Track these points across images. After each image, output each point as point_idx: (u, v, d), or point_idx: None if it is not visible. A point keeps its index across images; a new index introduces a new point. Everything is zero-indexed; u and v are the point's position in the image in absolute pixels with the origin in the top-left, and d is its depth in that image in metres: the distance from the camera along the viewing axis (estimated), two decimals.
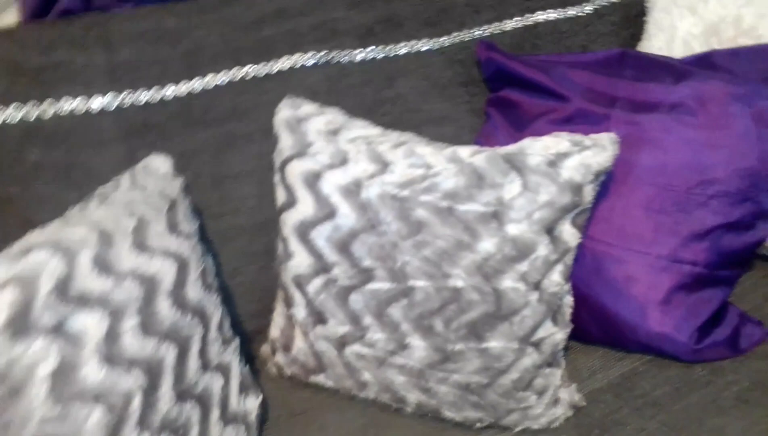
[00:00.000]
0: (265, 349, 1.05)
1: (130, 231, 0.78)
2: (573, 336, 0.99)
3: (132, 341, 0.71)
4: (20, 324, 0.64)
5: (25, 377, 0.63)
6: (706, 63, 0.99)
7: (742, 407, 0.89)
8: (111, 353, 0.69)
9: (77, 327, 0.68)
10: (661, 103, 0.96)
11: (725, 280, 0.97)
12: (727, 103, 0.92)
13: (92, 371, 0.67)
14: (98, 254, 0.73)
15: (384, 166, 0.91)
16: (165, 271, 0.79)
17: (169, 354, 0.75)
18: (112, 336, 0.70)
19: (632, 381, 0.95)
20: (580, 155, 0.87)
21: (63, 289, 0.68)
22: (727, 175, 0.92)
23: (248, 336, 1.05)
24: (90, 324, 0.69)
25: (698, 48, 1.09)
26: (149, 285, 0.76)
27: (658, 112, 0.96)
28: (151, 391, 0.72)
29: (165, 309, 0.77)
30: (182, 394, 0.76)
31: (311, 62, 1.08)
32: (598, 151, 0.87)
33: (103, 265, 0.72)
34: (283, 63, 1.06)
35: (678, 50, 1.12)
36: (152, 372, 0.73)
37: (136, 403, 0.70)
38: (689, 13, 1.12)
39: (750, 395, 0.91)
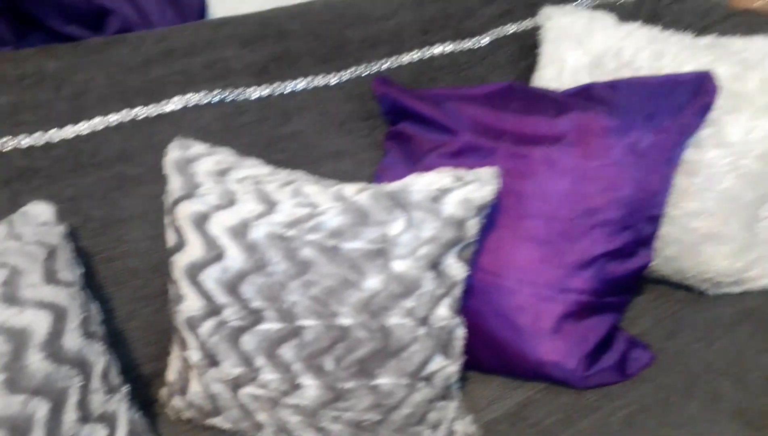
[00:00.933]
0: (163, 392, 1.03)
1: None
2: (471, 367, 1.01)
3: None
4: None
5: None
6: (586, 95, 1.02)
7: (629, 430, 0.91)
8: None
9: None
10: (545, 135, 0.99)
11: (612, 306, 1.00)
12: (604, 135, 0.96)
13: None
14: None
15: (271, 206, 0.91)
16: (38, 322, 0.77)
17: (40, 409, 0.73)
18: None
19: (527, 410, 0.97)
20: (462, 190, 0.89)
21: None
22: (606, 204, 0.95)
23: (146, 380, 1.03)
24: None
25: (585, 78, 1.13)
26: (18, 339, 0.74)
27: (541, 144, 0.99)
28: None
29: (36, 363, 0.75)
30: None
31: (204, 101, 1.08)
32: (479, 185, 0.89)
33: None
34: (175, 103, 1.06)
35: (567, 80, 1.15)
36: (19, 430, 0.70)
37: None
38: (576, 45, 1.16)
39: (637, 419, 0.93)
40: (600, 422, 0.93)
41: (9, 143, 0.96)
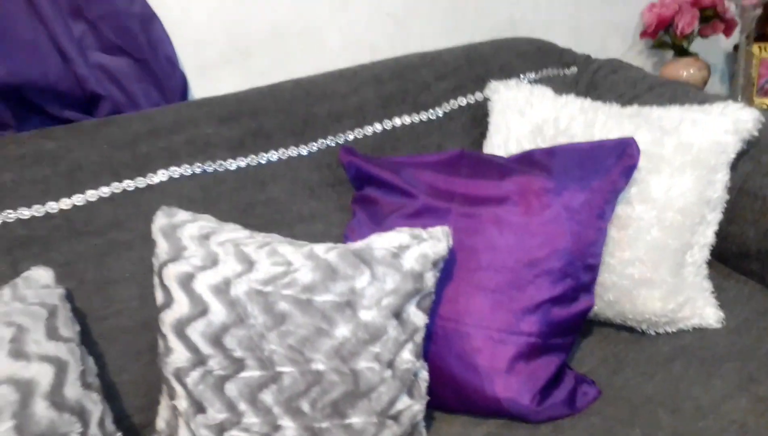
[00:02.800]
0: None
1: (7, 340, 0.85)
2: (436, 407, 1.10)
3: None
4: None
5: None
6: (527, 160, 1.16)
7: None
8: None
9: None
10: (491, 196, 1.12)
11: (559, 347, 1.11)
12: (543, 194, 1.09)
13: None
14: None
15: (250, 265, 1.02)
16: (42, 374, 0.86)
17: None
18: None
19: None
20: (419, 247, 1.01)
21: None
22: (547, 255, 1.08)
23: (137, 430, 1.11)
24: None
25: (528, 144, 1.27)
26: (25, 389, 0.83)
27: (489, 204, 1.12)
28: None
29: (41, 410, 0.83)
30: None
31: (187, 173, 1.19)
32: (434, 242, 1.01)
33: None
34: (160, 176, 1.17)
35: (512, 146, 1.29)
36: None
37: None
38: (519, 115, 1.30)
39: None
40: None
41: (11, 215, 1.06)
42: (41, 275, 0.99)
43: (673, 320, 1.20)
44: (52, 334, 0.91)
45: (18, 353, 0.85)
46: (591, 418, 1.09)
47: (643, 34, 1.96)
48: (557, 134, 1.25)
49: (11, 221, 1.06)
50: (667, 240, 1.16)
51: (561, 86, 1.50)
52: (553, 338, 1.10)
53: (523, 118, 1.30)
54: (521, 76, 1.51)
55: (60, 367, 0.89)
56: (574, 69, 1.61)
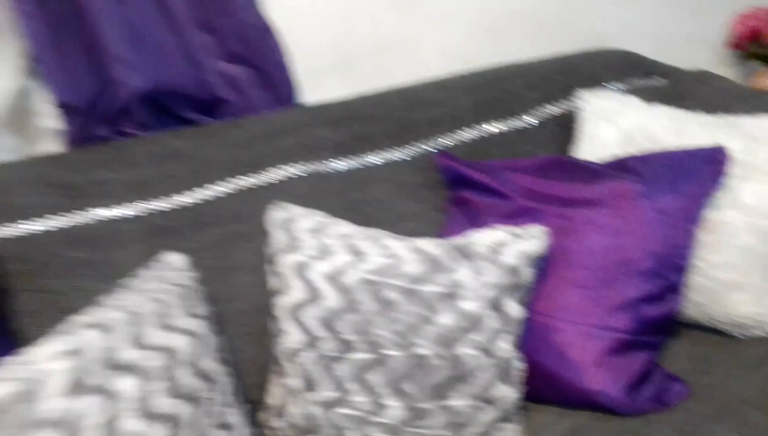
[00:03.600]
0: (263, 416, 1.21)
1: (155, 313, 0.97)
2: (530, 398, 1.17)
3: (160, 401, 0.89)
4: (74, 387, 0.82)
5: (78, 427, 0.80)
6: (620, 166, 1.22)
7: None
8: (143, 409, 0.87)
9: (116, 389, 0.85)
10: (585, 199, 1.18)
11: (649, 344, 1.16)
12: (634, 198, 1.15)
13: (130, 424, 0.84)
14: (131, 331, 0.91)
15: (360, 256, 1.11)
16: (184, 345, 0.97)
17: (187, 412, 0.93)
18: (144, 397, 0.87)
19: (578, 433, 1.12)
20: (518, 244, 1.08)
21: (106, 359, 0.86)
22: (639, 256, 1.13)
23: (250, 405, 1.22)
24: (125, 387, 0.86)
25: (616, 152, 1.32)
26: (172, 356, 0.94)
27: (582, 207, 1.18)
28: None
29: (185, 377, 0.94)
30: None
31: (298, 173, 1.30)
32: (532, 240, 1.09)
33: (135, 340, 0.91)
34: (275, 174, 1.28)
35: (601, 153, 1.35)
36: (175, 425, 0.90)
37: None
38: (609, 124, 1.36)
39: None
40: None
41: (150, 206, 1.19)
42: (176, 260, 1.11)
43: (762, 324, 1.23)
44: (189, 311, 1.03)
45: (164, 325, 0.96)
46: (679, 414, 1.13)
47: (732, 45, 1.97)
48: (647, 142, 1.30)
49: (150, 211, 1.19)
50: (757, 245, 1.19)
51: (648, 96, 1.54)
52: (643, 335, 1.15)
53: (613, 126, 1.36)
54: (609, 86, 1.56)
55: (198, 340, 1.00)
56: (661, 80, 1.65)
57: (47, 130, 1.24)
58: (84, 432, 0.80)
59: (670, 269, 1.14)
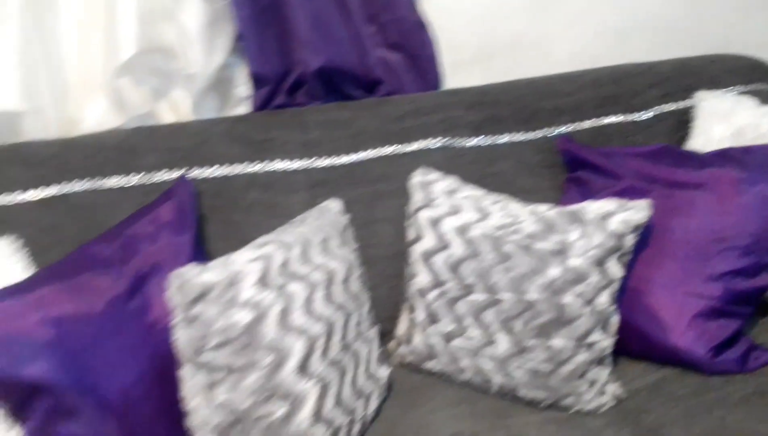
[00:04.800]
0: (391, 344, 1.45)
1: (319, 242, 1.22)
2: (622, 352, 1.33)
3: (320, 305, 1.14)
4: (261, 283, 1.09)
5: (264, 313, 1.07)
6: (724, 155, 1.35)
7: (744, 405, 1.19)
8: (307, 309, 1.12)
9: (290, 290, 1.11)
10: (689, 182, 1.33)
11: (737, 314, 1.29)
12: (736, 183, 1.28)
13: (298, 317, 1.10)
14: (302, 251, 1.17)
15: (485, 215, 1.33)
16: (339, 268, 1.22)
17: (339, 319, 1.17)
18: (308, 299, 1.13)
19: (663, 384, 1.28)
20: (624, 214, 1.25)
21: (284, 267, 1.12)
22: (735, 235, 1.27)
23: (381, 335, 1.45)
24: (296, 289, 1.12)
25: (727, 146, 1.46)
26: (330, 275, 1.19)
27: (686, 189, 1.33)
28: (328, 338, 1.14)
29: (338, 292, 1.19)
30: (344, 347, 1.18)
31: (436, 145, 1.53)
32: (636, 211, 1.25)
33: (304, 258, 1.17)
34: (417, 145, 1.52)
35: (712, 147, 1.48)
36: (329, 327, 1.15)
37: (320, 343, 1.12)
38: (722, 121, 1.49)
39: (751, 398, 1.20)
40: (721, 396, 1.22)
41: (314, 163, 1.45)
42: (334, 205, 1.36)
43: None
44: (345, 244, 1.28)
45: (326, 250, 1.22)
46: (761, 378, 1.26)
47: None
48: (757, 138, 1.42)
49: (314, 166, 1.46)
50: None
51: (765, 99, 1.64)
52: (733, 305, 1.28)
53: (725, 123, 1.49)
54: (729, 89, 1.67)
55: (349, 266, 1.25)
56: None
57: (240, 96, 1.54)
58: (267, 316, 1.07)
59: (764, 249, 1.27)
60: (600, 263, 1.24)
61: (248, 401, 1.04)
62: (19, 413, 1.00)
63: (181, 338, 1.04)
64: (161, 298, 1.11)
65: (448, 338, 1.33)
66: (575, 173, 1.53)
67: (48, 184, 1.32)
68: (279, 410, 1.06)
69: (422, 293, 1.35)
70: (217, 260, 1.10)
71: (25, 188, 1.31)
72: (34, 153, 1.34)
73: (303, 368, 1.09)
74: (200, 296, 1.03)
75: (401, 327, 1.43)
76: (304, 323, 1.11)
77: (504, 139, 1.57)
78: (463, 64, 1.67)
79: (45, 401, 0.99)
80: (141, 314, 1.08)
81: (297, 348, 1.08)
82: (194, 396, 1.05)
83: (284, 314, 1.09)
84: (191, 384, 1.05)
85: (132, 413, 1.04)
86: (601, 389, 1.26)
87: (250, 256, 1.12)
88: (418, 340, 1.38)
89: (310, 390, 1.09)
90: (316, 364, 1.11)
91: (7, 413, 1.00)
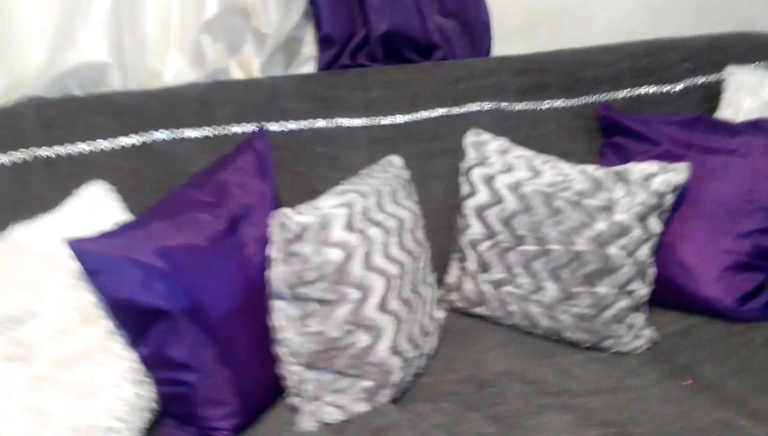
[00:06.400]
0: (442, 291, 1.57)
1: (388, 193, 1.34)
2: (656, 302, 1.46)
3: (394, 249, 1.26)
4: (347, 226, 1.20)
5: (352, 253, 1.18)
6: (756, 125, 1.48)
7: (766, 348, 1.34)
8: (385, 252, 1.24)
9: (370, 234, 1.23)
10: (722, 148, 1.46)
11: (762, 267, 1.42)
12: (767, 150, 1.42)
13: (379, 259, 1.22)
14: (376, 200, 1.29)
15: (537, 173, 1.44)
16: (406, 217, 1.34)
17: (409, 263, 1.29)
18: (385, 243, 1.25)
19: (693, 329, 1.42)
20: (665, 175, 1.37)
21: (364, 213, 1.24)
22: (764, 197, 1.40)
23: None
24: (375, 234, 1.24)
25: (756, 117, 1.58)
26: (400, 224, 1.31)
27: (719, 154, 1.46)
28: (401, 279, 1.26)
29: (408, 239, 1.31)
30: (413, 288, 1.30)
31: (486, 108, 1.64)
32: (676, 173, 1.37)
33: (379, 206, 1.28)
34: (469, 108, 1.63)
35: (741, 120, 1.60)
36: (402, 269, 1.27)
37: (395, 283, 1.24)
38: (750, 94, 1.61)
39: None
40: (745, 340, 1.36)
41: (374, 121, 1.56)
42: (396, 160, 1.47)
43: None
44: (409, 196, 1.40)
45: (395, 201, 1.33)
46: None
47: None
48: None
49: (374, 124, 1.56)
50: None
51: None
52: (758, 260, 1.42)
53: (754, 96, 1.61)
54: (756, 64, 1.79)
55: (415, 216, 1.37)
56: None
57: (307, 56, 1.63)
58: (354, 256, 1.19)
59: None
60: (642, 218, 1.36)
61: (337, 331, 1.17)
62: (136, 338, 1.12)
63: (279, 272, 1.15)
64: (253, 237, 1.22)
65: (498, 285, 1.46)
66: (612, 139, 1.65)
67: (132, 132, 1.42)
68: (362, 341, 1.18)
69: (474, 243, 1.48)
70: (304, 205, 1.22)
71: (111, 136, 1.40)
72: (119, 103, 1.43)
73: (383, 304, 1.21)
74: (298, 236, 1.14)
75: (451, 276, 1.55)
76: (383, 265, 1.23)
77: (547, 104, 1.68)
78: (511, 32, 1.77)
79: (160, 326, 1.11)
80: (238, 250, 1.20)
81: (378, 286, 1.21)
82: (287, 326, 1.18)
83: (367, 255, 1.21)
84: (284, 315, 1.17)
85: (229, 339, 1.16)
86: (638, 333, 1.40)
87: (335, 202, 1.23)
88: (468, 287, 1.51)
89: (387, 325, 1.21)
90: (393, 302, 1.23)
91: (126, 338, 1.12)
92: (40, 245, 1.11)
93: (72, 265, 1.08)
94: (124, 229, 1.14)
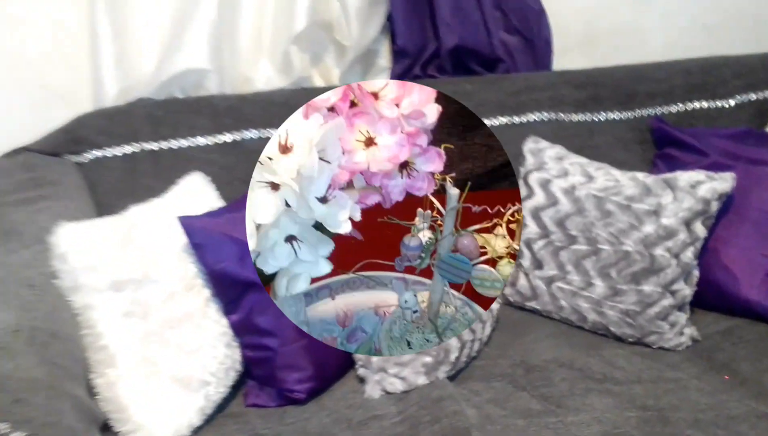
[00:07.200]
0: None
1: None
2: (699, 304, 1.56)
3: None
4: None
5: None
6: None
7: None
8: None
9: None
10: None
11: None
12: None
13: None
14: None
15: (590, 178, 1.56)
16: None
17: None
18: None
19: (734, 330, 1.51)
20: (711, 183, 1.48)
21: None
22: None
23: None
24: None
25: None
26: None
27: (765, 165, 1.55)
28: None
29: None
30: None
31: (544, 118, 1.77)
32: (722, 182, 1.48)
33: None
34: (528, 117, 1.76)
35: None
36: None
37: None
38: None
39: None
40: None
41: None
42: None
43: None
44: None
45: None
46: None
47: None
48: None
49: None
50: None
51: None
52: None
53: None
54: None
55: None
56: None
57: (382, 66, 1.80)
58: None
59: None
60: (688, 223, 1.47)
61: None
62: (229, 306, 1.29)
63: None
64: None
65: (551, 281, 1.58)
66: (664, 150, 1.76)
67: (226, 131, 1.61)
68: None
69: (529, 242, 1.60)
70: None
71: (209, 134, 1.60)
72: (216, 105, 1.62)
73: None
74: None
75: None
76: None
77: (602, 117, 1.80)
78: (570, 49, 1.90)
79: (250, 297, 1.27)
80: None
81: None
82: None
83: None
84: None
85: None
86: (680, 331, 1.50)
87: None
88: (522, 283, 1.63)
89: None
90: None
91: (220, 306, 1.29)
92: (152, 223, 1.29)
93: (178, 240, 1.26)
94: (225, 211, 1.31)
